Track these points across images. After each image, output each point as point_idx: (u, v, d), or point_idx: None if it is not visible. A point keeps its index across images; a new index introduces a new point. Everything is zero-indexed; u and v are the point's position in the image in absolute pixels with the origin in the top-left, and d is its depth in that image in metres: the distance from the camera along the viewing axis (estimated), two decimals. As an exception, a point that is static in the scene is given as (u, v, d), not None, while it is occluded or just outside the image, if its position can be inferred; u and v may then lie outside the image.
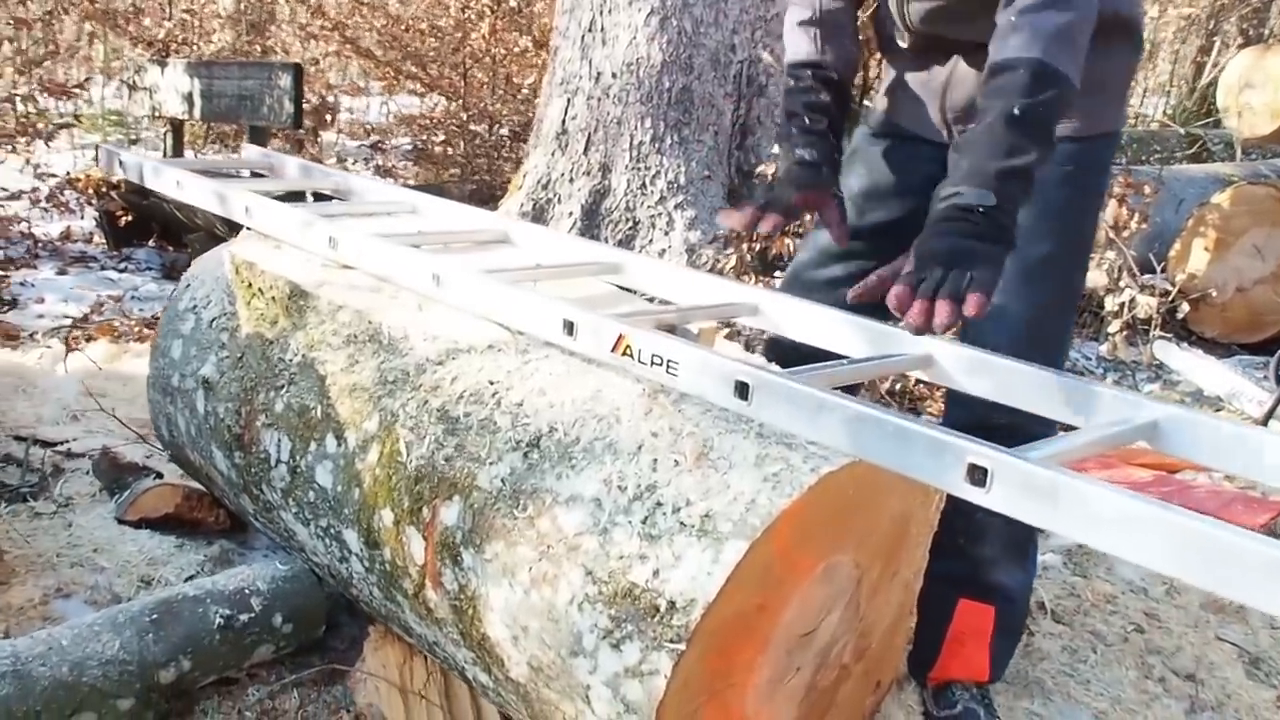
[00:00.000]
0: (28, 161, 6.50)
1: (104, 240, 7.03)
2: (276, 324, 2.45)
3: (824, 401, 1.56)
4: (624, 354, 1.82)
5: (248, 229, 2.71)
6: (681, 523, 1.69)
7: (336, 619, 2.59)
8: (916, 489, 1.92)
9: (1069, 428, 1.75)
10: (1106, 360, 5.27)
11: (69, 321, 5.00)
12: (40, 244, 6.69)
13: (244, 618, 2.38)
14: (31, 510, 2.96)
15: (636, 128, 4.54)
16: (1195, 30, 10.78)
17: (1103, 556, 3.15)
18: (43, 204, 6.49)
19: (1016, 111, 1.78)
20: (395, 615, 2.22)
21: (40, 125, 6.63)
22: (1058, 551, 3.18)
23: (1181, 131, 8.70)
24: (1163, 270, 5.87)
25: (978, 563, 2.29)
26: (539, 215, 4.63)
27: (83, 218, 7.45)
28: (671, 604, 1.63)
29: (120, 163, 3.07)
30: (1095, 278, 4.88)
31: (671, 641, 1.62)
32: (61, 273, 6.09)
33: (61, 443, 3.39)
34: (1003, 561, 2.30)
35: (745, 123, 4.68)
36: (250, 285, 2.54)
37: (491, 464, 1.93)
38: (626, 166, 4.55)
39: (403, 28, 8.31)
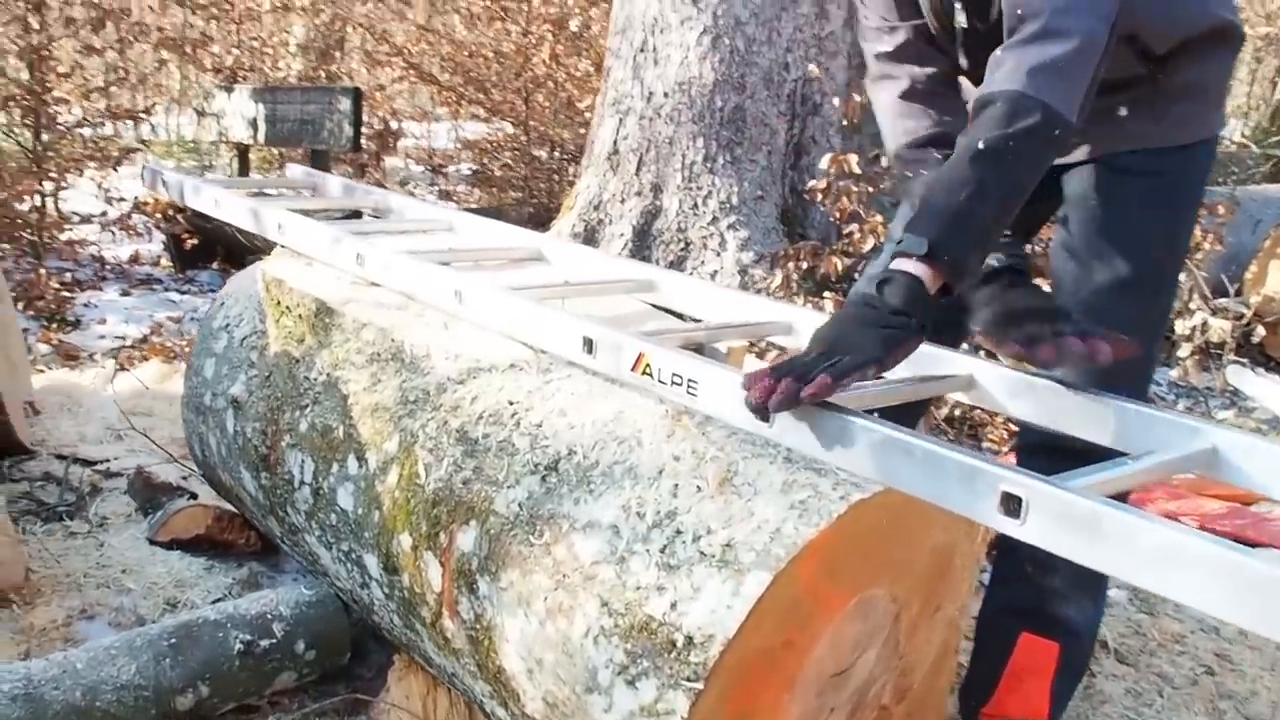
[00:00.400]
0: (99, 186, 6.57)
1: (170, 263, 7.10)
2: (303, 342, 2.40)
3: (848, 425, 1.46)
4: (644, 373, 1.73)
5: (281, 246, 2.67)
6: (701, 552, 1.59)
7: (364, 646, 2.52)
8: (960, 519, 1.80)
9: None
10: (1178, 386, 5.09)
11: (128, 342, 5.02)
12: (108, 266, 6.75)
13: (265, 643, 2.31)
14: (66, 530, 2.94)
15: (689, 147, 4.46)
16: (1273, 50, 10.49)
17: (1171, 592, 2.98)
18: (112, 228, 6.54)
19: (981, 146, 1.65)
20: (415, 644, 2.15)
21: (110, 150, 6.69)
22: (1123, 587, 3.02)
23: (1259, 152, 8.44)
24: (1237, 293, 5.65)
25: (1044, 594, 2.14)
26: (590, 236, 4.56)
27: (151, 241, 7.53)
28: (689, 639, 1.54)
29: (162, 181, 3.05)
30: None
31: (689, 679, 1.52)
32: (125, 294, 6.14)
33: (101, 461, 3.37)
34: (1072, 595, 2.15)
35: (799, 142, 4.58)
36: (279, 303, 2.49)
37: (509, 488, 1.85)
38: (678, 187, 4.47)
39: (466, 53, 8.32)
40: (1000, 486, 1.29)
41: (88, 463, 3.37)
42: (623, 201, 4.56)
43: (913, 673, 1.89)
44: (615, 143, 4.65)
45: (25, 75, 5.90)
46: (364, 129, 6.59)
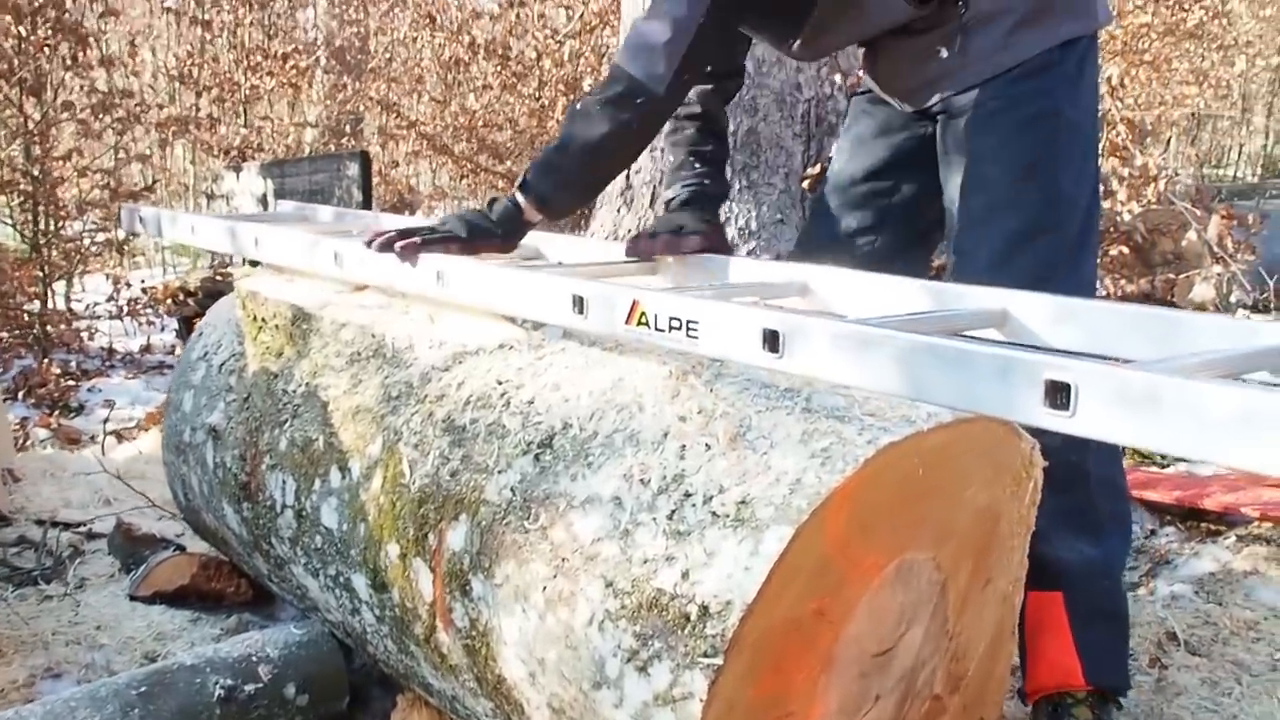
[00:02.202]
0: (106, 277, 6.48)
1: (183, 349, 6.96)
2: (281, 355, 2.21)
3: (868, 336, 1.25)
4: (639, 323, 1.53)
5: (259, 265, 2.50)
6: (714, 513, 1.38)
7: (366, 692, 2.29)
8: (1002, 476, 1.58)
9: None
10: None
11: (132, 423, 4.85)
12: (118, 356, 6.62)
13: (250, 688, 2.08)
14: (41, 593, 2.71)
15: (702, 175, 4.28)
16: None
17: (1240, 581, 2.73)
18: (121, 315, 6.42)
19: (579, 106, 2.00)
20: (413, 671, 1.92)
21: (115, 238, 6.60)
22: (1187, 581, 2.76)
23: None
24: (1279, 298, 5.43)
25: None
26: (604, 273, 4.38)
27: (164, 330, 7.41)
28: (704, 609, 1.32)
29: (140, 219, 2.89)
30: (1203, 291, 4.49)
31: (706, 655, 1.30)
32: (132, 377, 5.99)
33: (82, 524, 3.17)
34: (1056, 536, 1.92)
35: (817, 162, 4.40)
36: (256, 317, 2.31)
37: (500, 473, 1.64)
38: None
39: (480, 123, 8.24)
40: (1043, 375, 1.08)
41: (69, 525, 3.16)
42: (637, 237, 4.38)
43: (966, 657, 1.65)
44: (628, 177, 4.48)
45: (22, 159, 5.82)
46: (381, 205, 6.48)
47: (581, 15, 7.96)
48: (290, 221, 3.09)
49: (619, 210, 4.52)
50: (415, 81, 9.31)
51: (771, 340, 1.34)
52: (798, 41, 2.20)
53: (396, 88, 9.25)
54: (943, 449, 1.45)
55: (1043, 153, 2.01)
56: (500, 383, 1.75)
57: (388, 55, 10.07)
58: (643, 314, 1.52)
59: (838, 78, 4.28)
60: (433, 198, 10.67)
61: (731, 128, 4.25)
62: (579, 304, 1.62)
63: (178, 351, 7.01)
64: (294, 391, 2.12)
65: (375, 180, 6.64)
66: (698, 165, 2.31)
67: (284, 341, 2.21)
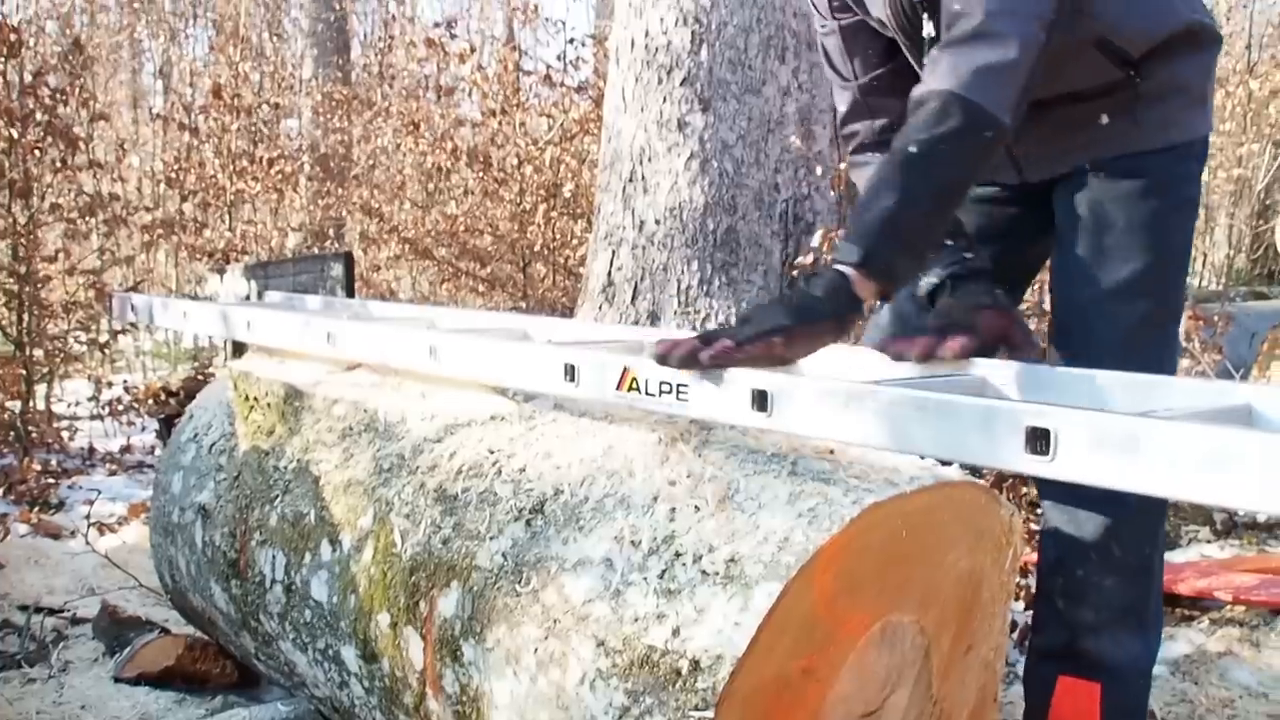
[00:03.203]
0: (88, 378, 6.49)
1: (165, 448, 6.94)
2: (273, 433, 2.24)
3: (853, 392, 1.30)
4: (630, 388, 1.57)
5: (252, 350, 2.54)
6: (704, 571, 1.42)
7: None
8: (984, 542, 1.62)
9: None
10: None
11: (113, 517, 4.83)
12: (99, 455, 6.61)
13: (234, 766, 2.08)
14: (25, 676, 2.69)
15: (683, 272, 4.37)
16: (1247, 194, 10.57)
17: (1215, 662, 2.76)
18: (101, 412, 6.42)
19: (913, 149, 1.66)
20: (401, 744, 1.93)
21: (97, 338, 6.63)
22: (1163, 662, 2.78)
23: (1244, 290, 8.44)
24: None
25: (1078, 631, 1.94)
26: (586, 368, 4.43)
27: (144, 431, 7.40)
28: (695, 664, 1.35)
29: (131, 306, 2.94)
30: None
31: (697, 709, 1.32)
32: (113, 474, 5.97)
33: (65, 609, 3.15)
34: (1108, 629, 1.93)
35: (795, 260, 4.50)
36: (248, 397, 2.34)
37: (492, 539, 1.67)
38: (676, 312, 4.35)
39: (461, 228, 8.35)
40: (1024, 422, 1.13)
41: (53, 610, 3.15)
42: (619, 332, 4.45)
43: (953, 721, 1.67)
44: (609, 274, 4.56)
45: (9, 259, 5.86)
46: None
47: (562, 123, 8.13)
48: (280, 308, 3.15)
49: (600, 307, 4.59)
50: (398, 188, 9.44)
51: (760, 400, 1.39)
52: None
53: (379, 194, 9.37)
54: (926, 512, 1.49)
55: (1184, 240, 2.03)
56: (492, 452, 1.79)
57: (371, 162, 10.23)
58: (633, 379, 1.57)
59: (819, 170, 4.39)
60: (412, 301, 10.77)
61: (711, 225, 4.37)
62: (570, 372, 1.66)
63: (158, 451, 6.99)
64: (285, 468, 2.15)
65: (357, 284, 6.70)
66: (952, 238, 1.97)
67: (276, 419, 2.25)
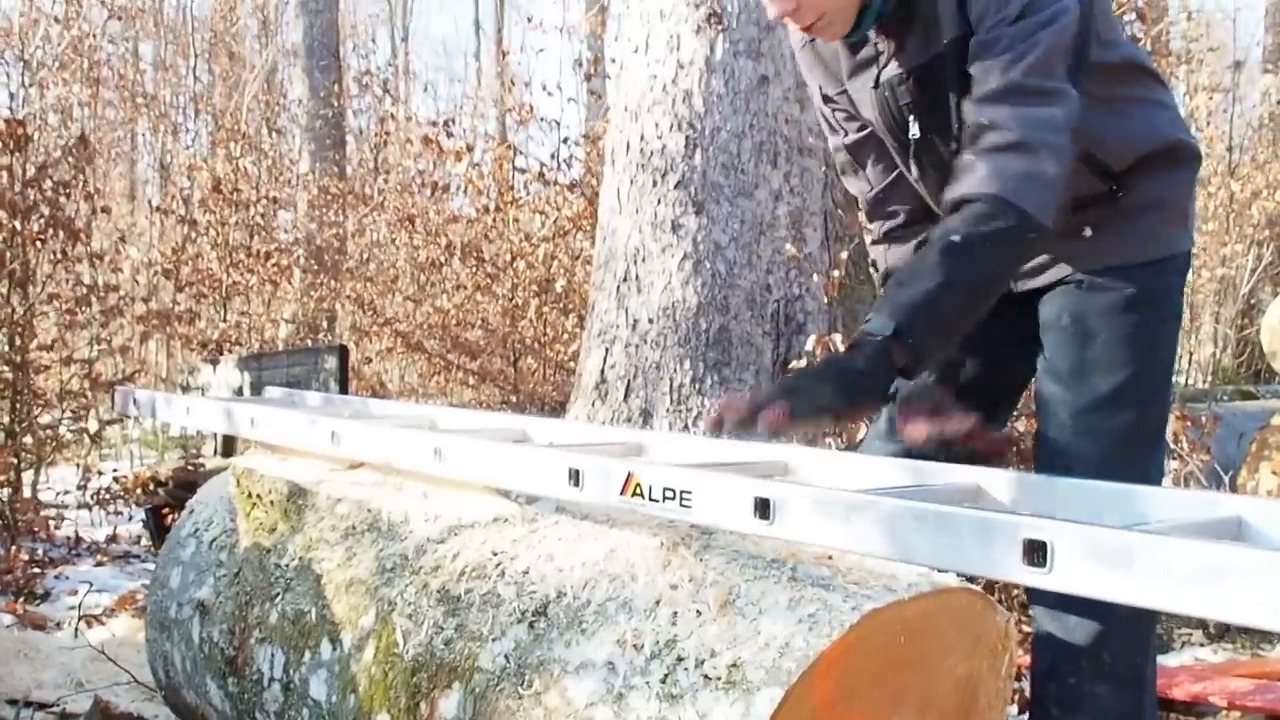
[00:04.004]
0: (77, 466, 6.48)
1: (150, 540, 6.92)
2: (275, 531, 2.27)
3: (854, 502, 1.34)
4: (634, 494, 1.61)
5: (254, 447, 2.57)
6: (706, 676, 1.44)
7: None
8: (981, 648, 1.65)
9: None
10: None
11: (99, 609, 4.80)
12: (84, 544, 6.58)
13: None
14: (12, 775, 2.69)
15: (676, 370, 4.42)
16: (1231, 294, 10.73)
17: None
18: (88, 501, 6.40)
19: (956, 239, 1.74)
20: (397, 847, 1.92)
21: (88, 427, 6.63)
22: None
23: (1230, 389, 8.52)
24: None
25: None
26: (579, 465, 4.46)
27: (131, 520, 7.37)
28: (698, 769, 1.36)
29: (134, 400, 2.97)
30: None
31: (699, 814, 1.34)
32: (100, 565, 5.95)
33: (56, 703, 3.13)
34: None
35: (786, 360, 4.56)
36: (250, 494, 2.37)
37: (494, 640, 1.70)
38: (668, 410, 4.40)
39: (454, 320, 8.42)
40: (1021, 534, 1.17)
41: (42, 705, 3.13)
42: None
43: (952, 829, 1.68)
44: (603, 372, 4.61)
45: (5, 348, 5.89)
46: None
47: (555, 220, 8.25)
48: (281, 405, 3.18)
49: (593, 404, 4.63)
50: (390, 281, 9.53)
51: (762, 508, 1.43)
52: None
53: (372, 286, 9.46)
54: (923, 619, 1.52)
55: (1167, 352, 2.08)
56: (495, 554, 1.81)
57: (365, 256, 10.34)
58: (637, 485, 1.60)
59: (815, 277, 4.46)
60: (402, 394, 10.80)
61: (704, 325, 4.43)
62: (575, 476, 1.69)
63: (144, 541, 6.96)
64: (287, 565, 2.17)
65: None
66: None
67: (278, 517, 2.27)
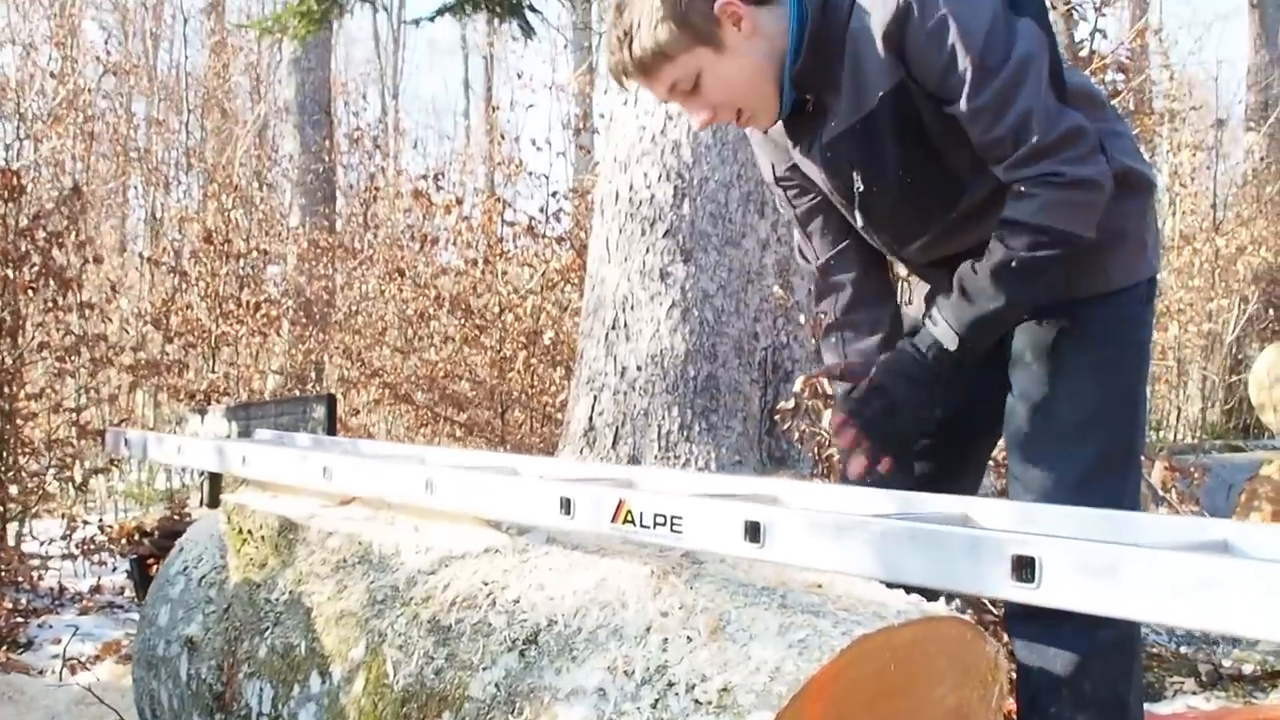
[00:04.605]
0: (62, 517, 6.46)
1: (135, 592, 6.87)
2: (265, 565, 2.27)
3: (844, 523, 1.36)
4: (625, 521, 1.62)
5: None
6: (696, 701, 1.45)
7: None
8: (971, 678, 1.66)
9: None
10: (1173, 629, 4.93)
11: (83, 656, 4.77)
12: (68, 594, 6.54)
13: None
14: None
15: (664, 417, 4.44)
16: (1219, 349, 10.82)
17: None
18: (74, 553, 6.36)
19: (1014, 264, 1.90)
20: None
21: (74, 476, 6.62)
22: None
23: (1219, 443, 8.58)
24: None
25: None
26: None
27: (115, 571, 7.33)
28: (689, 792, 1.37)
29: (125, 441, 2.98)
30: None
31: (690, 836, 1.34)
32: (84, 613, 5.91)
33: (44, 747, 3.12)
34: None
35: (774, 407, 4.58)
36: (241, 529, 2.38)
37: (484, 669, 1.70)
38: (656, 456, 4.41)
39: (441, 373, 8.44)
40: (1009, 551, 1.18)
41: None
42: (599, 477, 4.49)
43: None
44: (591, 419, 4.63)
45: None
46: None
47: (544, 272, 8.29)
48: (273, 444, 3.19)
49: (581, 451, 4.64)
50: (379, 334, 9.56)
51: (753, 531, 1.44)
52: (924, 240, 2.20)
53: (360, 338, 9.49)
54: (913, 646, 1.53)
55: (1135, 379, 2.12)
56: (486, 584, 1.82)
57: (353, 308, 10.37)
58: (628, 512, 1.62)
59: (803, 324, 4.50)
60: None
61: (691, 372, 4.46)
62: (566, 505, 1.71)
63: (127, 593, 6.92)
64: (277, 600, 2.17)
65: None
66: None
67: (269, 552, 2.28)
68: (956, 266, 2.05)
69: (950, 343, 1.95)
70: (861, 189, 2.08)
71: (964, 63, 1.86)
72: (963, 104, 1.88)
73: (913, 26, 1.88)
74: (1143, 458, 4.54)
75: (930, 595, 1.58)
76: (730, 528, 1.48)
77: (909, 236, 2.16)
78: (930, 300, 2.30)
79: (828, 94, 2.02)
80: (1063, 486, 1.98)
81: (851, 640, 1.43)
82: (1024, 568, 1.17)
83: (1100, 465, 2.01)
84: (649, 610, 1.61)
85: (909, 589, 1.57)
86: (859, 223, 2.17)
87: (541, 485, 1.78)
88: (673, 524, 1.56)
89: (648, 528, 1.59)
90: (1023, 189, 1.89)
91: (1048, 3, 2.00)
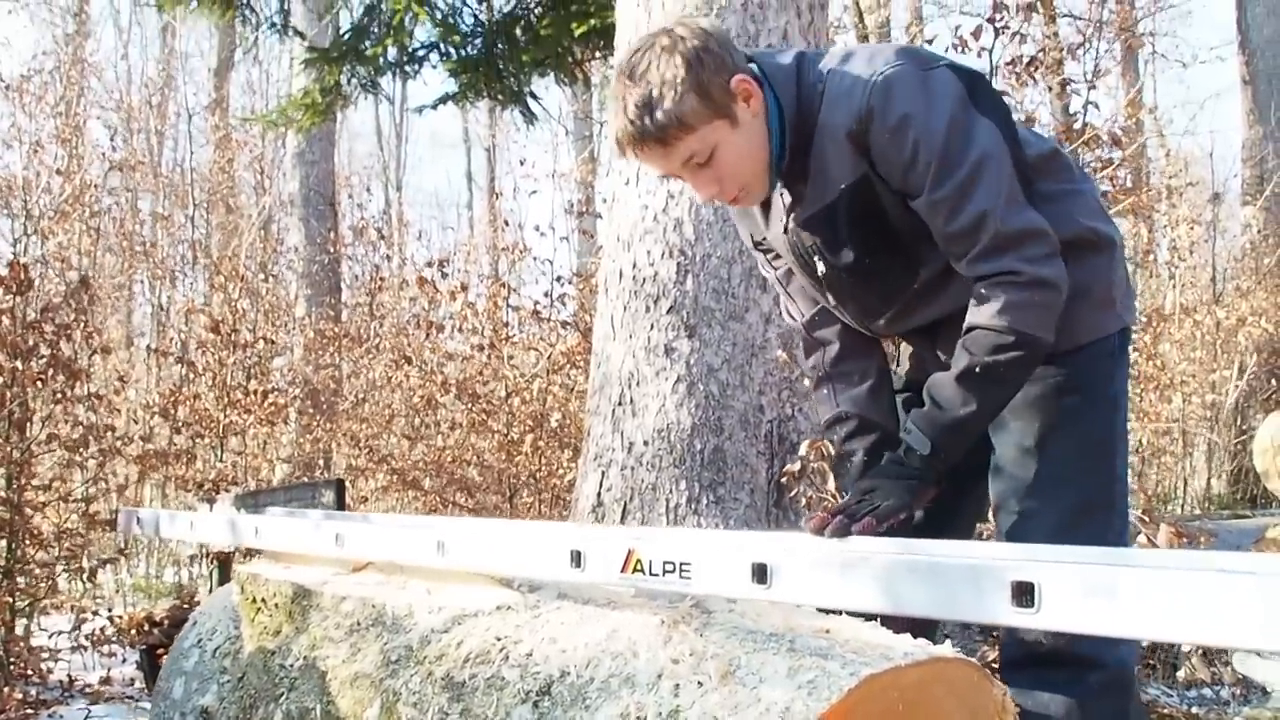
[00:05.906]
0: (71, 609, 6.44)
1: (145, 683, 6.83)
2: (279, 632, 2.29)
3: (848, 560, 1.39)
4: (635, 570, 1.65)
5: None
6: (709, 743, 1.47)
7: None
8: (978, 715, 1.67)
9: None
10: (1185, 689, 4.90)
11: (95, 746, 4.75)
12: (77, 686, 6.50)
13: None
14: None
15: (671, 491, 4.46)
16: (1222, 419, 10.81)
17: None
18: (83, 645, 6.33)
19: (977, 370, 1.97)
20: None
21: (84, 566, 6.61)
22: None
23: (1226, 514, 8.56)
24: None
25: None
26: (577, 587, 4.46)
27: (124, 662, 7.29)
28: (703, 832, 1.38)
29: (137, 520, 3.01)
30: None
31: None
32: (95, 703, 5.88)
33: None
34: None
35: (780, 479, 4.60)
36: (254, 599, 2.40)
37: (499, 722, 1.72)
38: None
39: (449, 458, 8.46)
40: (1009, 577, 1.21)
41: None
42: (608, 552, 4.50)
43: None
44: (599, 495, 4.65)
45: (3, 489, 5.91)
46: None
47: (550, 355, 8.35)
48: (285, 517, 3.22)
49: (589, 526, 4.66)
50: (386, 421, 9.60)
51: (760, 573, 1.48)
52: (888, 315, 2.26)
53: (368, 426, 9.52)
54: (921, 687, 1.55)
55: (1107, 433, 2.15)
56: (499, 639, 1.85)
57: (361, 396, 10.42)
58: (638, 561, 1.65)
59: (802, 391, 4.53)
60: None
61: (698, 446, 4.49)
62: (576, 558, 1.74)
63: (137, 684, 6.88)
64: (291, 665, 2.19)
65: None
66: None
67: (283, 619, 2.30)
68: (929, 334, 2.20)
69: (924, 448, 2.00)
70: (824, 271, 2.18)
71: (925, 159, 1.95)
72: (923, 198, 1.98)
73: (875, 126, 1.98)
74: (1145, 518, 4.54)
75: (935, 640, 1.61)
76: (738, 570, 1.51)
77: (874, 312, 2.24)
78: (915, 360, 2.42)
79: (797, 181, 2.12)
80: (1040, 535, 2.00)
81: (859, 680, 1.46)
82: (1024, 594, 1.20)
83: (1079, 516, 2.07)
84: (660, 658, 1.63)
85: (916, 633, 1.60)
86: (828, 300, 2.27)
87: (551, 538, 1.81)
88: (681, 570, 1.59)
89: (657, 575, 1.62)
90: (983, 290, 1.98)
91: (1022, 99, 2.09)
